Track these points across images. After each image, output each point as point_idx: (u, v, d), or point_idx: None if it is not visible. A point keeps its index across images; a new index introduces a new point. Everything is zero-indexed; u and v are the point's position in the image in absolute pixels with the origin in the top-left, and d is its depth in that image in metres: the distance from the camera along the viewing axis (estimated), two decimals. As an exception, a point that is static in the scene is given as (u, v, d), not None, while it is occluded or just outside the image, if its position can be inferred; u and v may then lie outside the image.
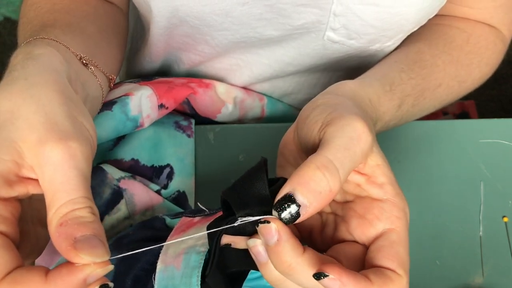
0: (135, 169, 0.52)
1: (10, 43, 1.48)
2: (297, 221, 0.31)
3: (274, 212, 0.31)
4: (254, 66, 0.59)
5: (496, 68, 0.59)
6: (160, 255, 0.39)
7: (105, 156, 0.52)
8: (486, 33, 0.57)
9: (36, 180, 0.33)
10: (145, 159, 0.53)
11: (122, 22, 0.57)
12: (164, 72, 0.65)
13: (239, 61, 0.58)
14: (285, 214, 0.31)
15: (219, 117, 0.60)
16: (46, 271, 0.31)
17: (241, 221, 0.32)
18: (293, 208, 0.31)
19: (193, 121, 0.58)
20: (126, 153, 0.53)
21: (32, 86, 0.34)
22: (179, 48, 0.58)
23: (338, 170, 0.31)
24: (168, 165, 0.53)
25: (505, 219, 0.55)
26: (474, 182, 0.57)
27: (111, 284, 0.32)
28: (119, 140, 0.54)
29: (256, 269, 0.35)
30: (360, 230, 0.35)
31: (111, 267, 0.32)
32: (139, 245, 0.45)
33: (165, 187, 0.52)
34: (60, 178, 0.32)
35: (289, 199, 0.31)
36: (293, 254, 0.31)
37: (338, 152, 0.32)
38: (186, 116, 0.59)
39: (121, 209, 0.49)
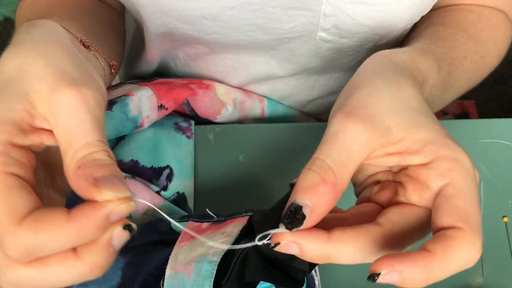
0: (134, 170, 0.52)
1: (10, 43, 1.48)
2: (310, 221, 0.30)
3: (281, 225, 0.31)
4: (250, 65, 0.58)
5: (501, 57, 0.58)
6: (169, 261, 0.39)
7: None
8: (495, 13, 0.56)
9: (50, 131, 0.33)
10: (145, 160, 0.53)
11: (117, 20, 0.58)
12: (162, 71, 0.65)
13: (235, 62, 0.58)
14: (291, 220, 0.30)
15: (219, 119, 0.60)
16: (68, 211, 0.30)
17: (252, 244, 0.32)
18: (296, 212, 0.30)
19: (192, 122, 0.58)
20: (126, 154, 0.53)
21: (39, 45, 0.35)
22: (173, 47, 0.59)
23: (324, 161, 0.31)
24: (167, 166, 0.53)
25: (505, 219, 0.55)
26: (474, 182, 0.57)
27: (134, 225, 0.31)
28: (119, 141, 0.54)
29: (271, 281, 0.34)
30: (417, 194, 0.33)
31: (133, 204, 0.31)
32: (146, 248, 0.45)
33: (165, 188, 0.52)
34: (74, 122, 0.32)
35: (292, 206, 0.31)
36: (321, 247, 0.30)
37: (323, 149, 0.32)
38: (186, 117, 0.59)
39: (122, 209, 0.49)
